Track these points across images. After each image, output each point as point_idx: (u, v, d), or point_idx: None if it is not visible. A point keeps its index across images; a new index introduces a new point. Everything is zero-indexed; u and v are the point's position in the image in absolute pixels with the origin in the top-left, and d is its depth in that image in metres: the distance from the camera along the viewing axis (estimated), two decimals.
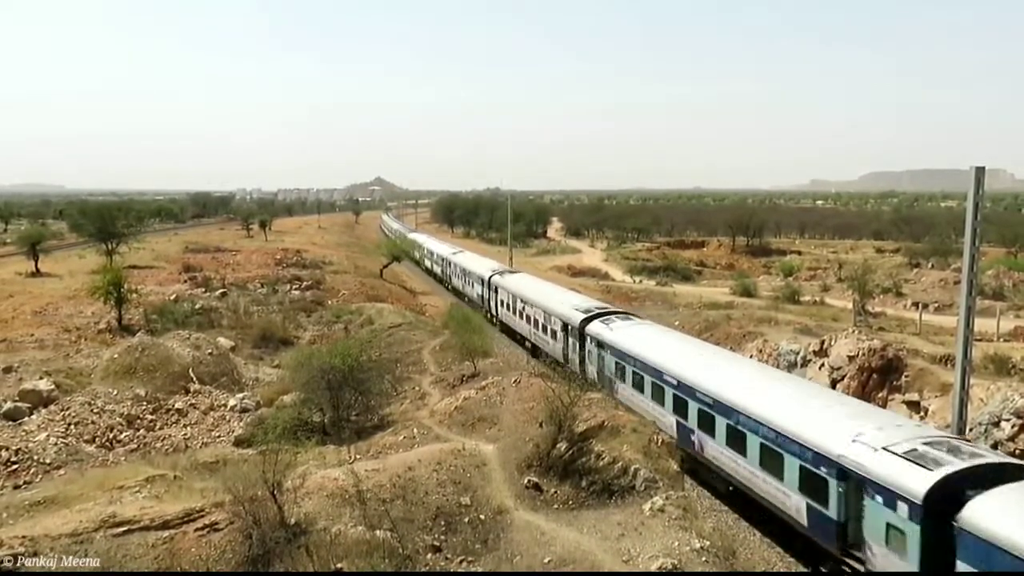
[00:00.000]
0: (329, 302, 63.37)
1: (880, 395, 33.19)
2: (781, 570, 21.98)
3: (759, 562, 22.45)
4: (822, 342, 37.77)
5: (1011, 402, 26.60)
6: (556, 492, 20.83)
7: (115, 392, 31.88)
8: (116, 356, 35.97)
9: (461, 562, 17.35)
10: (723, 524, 24.52)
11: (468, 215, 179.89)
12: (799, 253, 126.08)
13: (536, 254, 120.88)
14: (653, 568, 16.56)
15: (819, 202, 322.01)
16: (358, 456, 23.76)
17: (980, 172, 23.39)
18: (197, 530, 17.22)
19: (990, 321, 51.01)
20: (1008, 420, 26.25)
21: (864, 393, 33.01)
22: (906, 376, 33.23)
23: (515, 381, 30.03)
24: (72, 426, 28.10)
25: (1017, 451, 25.38)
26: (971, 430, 26.15)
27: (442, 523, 18.77)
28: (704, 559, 17.37)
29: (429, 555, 17.40)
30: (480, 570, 17.18)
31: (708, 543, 18.18)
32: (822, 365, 36.50)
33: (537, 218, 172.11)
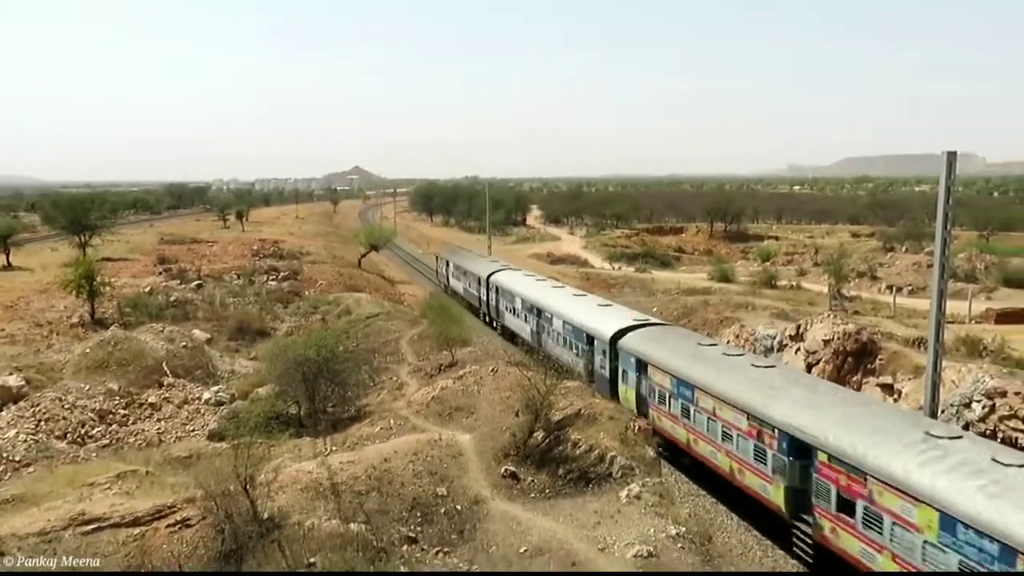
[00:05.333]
0: (307, 292, 63.01)
1: (855, 378, 33.48)
2: (753, 546, 22.07)
3: (736, 545, 22.51)
4: (798, 326, 38.01)
5: (981, 383, 26.92)
6: (533, 481, 20.81)
7: (87, 387, 31.44)
8: (88, 350, 35.48)
9: (437, 553, 17.29)
10: (700, 509, 24.59)
11: (447, 203, 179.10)
12: (776, 238, 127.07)
13: (515, 242, 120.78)
14: (629, 555, 16.58)
15: (796, 187, 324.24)
16: (334, 448, 23.58)
17: (952, 157, 23.49)
18: (168, 526, 17.02)
19: (962, 303, 51.65)
20: (979, 401, 26.57)
21: (839, 376, 33.27)
22: (880, 359, 33.53)
23: (492, 370, 29.95)
24: (42, 422, 27.68)
25: (988, 431, 25.68)
26: (943, 411, 26.43)
27: (418, 514, 18.70)
28: (680, 545, 17.43)
29: (404, 547, 17.31)
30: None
31: (684, 529, 18.25)
32: (798, 349, 36.74)
33: (516, 206, 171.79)
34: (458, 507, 19.09)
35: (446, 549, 17.46)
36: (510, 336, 44.59)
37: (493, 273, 50.16)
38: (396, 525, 18.02)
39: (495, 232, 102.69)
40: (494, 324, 48.93)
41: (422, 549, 17.42)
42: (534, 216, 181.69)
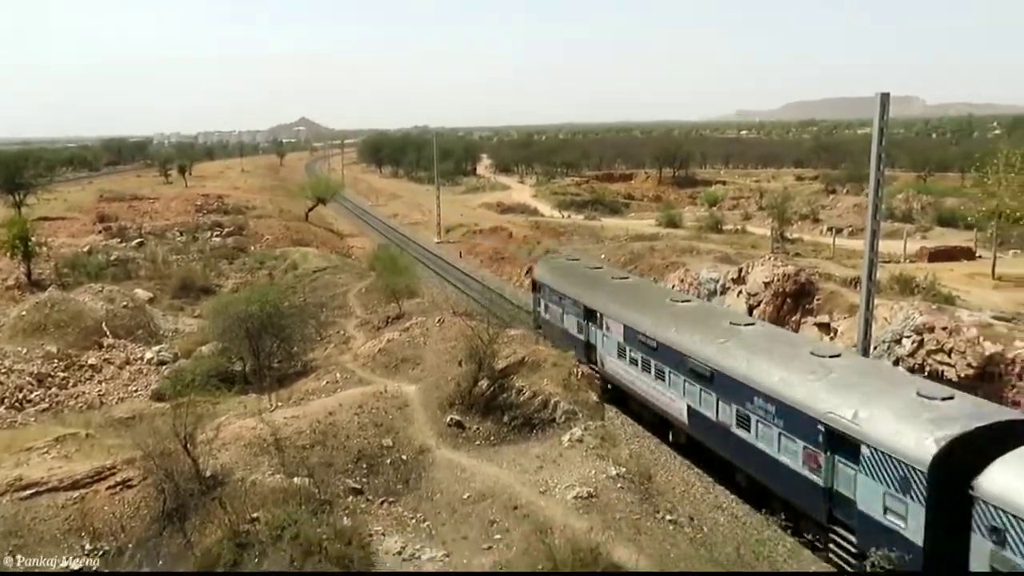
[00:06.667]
0: (252, 248, 62.04)
1: (794, 318, 34.38)
2: (695, 483, 22.81)
3: (678, 483, 23.24)
4: (740, 270, 38.72)
5: (911, 320, 27.90)
6: (478, 429, 21.10)
7: (24, 351, 30.72)
8: (24, 313, 34.60)
9: (382, 503, 17.53)
10: (644, 450, 25.31)
11: (396, 154, 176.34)
12: (724, 183, 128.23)
13: (465, 192, 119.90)
14: (569, 497, 17.03)
15: (743, 132, 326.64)
16: (279, 404, 23.56)
17: (885, 98, 23.89)
18: (109, 488, 16.91)
19: (899, 243, 53.21)
20: (908, 337, 27.57)
21: (779, 317, 34.13)
22: (818, 299, 34.42)
23: (439, 321, 30.04)
24: None
25: (916, 366, 26.75)
26: (876, 348, 27.40)
27: (364, 466, 18.88)
28: (619, 485, 17.94)
29: (350, 498, 17.51)
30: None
31: (624, 469, 18.77)
32: (740, 292, 37.50)
33: (466, 155, 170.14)
34: (403, 457, 19.32)
35: (391, 499, 17.72)
36: None
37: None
38: (341, 477, 18.19)
39: (444, 182, 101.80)
40: None
41: (367, 500, 17.64)
42: (484, 165, 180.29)
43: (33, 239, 46.73)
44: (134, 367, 31.10)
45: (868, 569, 15.33)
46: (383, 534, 16.13)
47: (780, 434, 18.14)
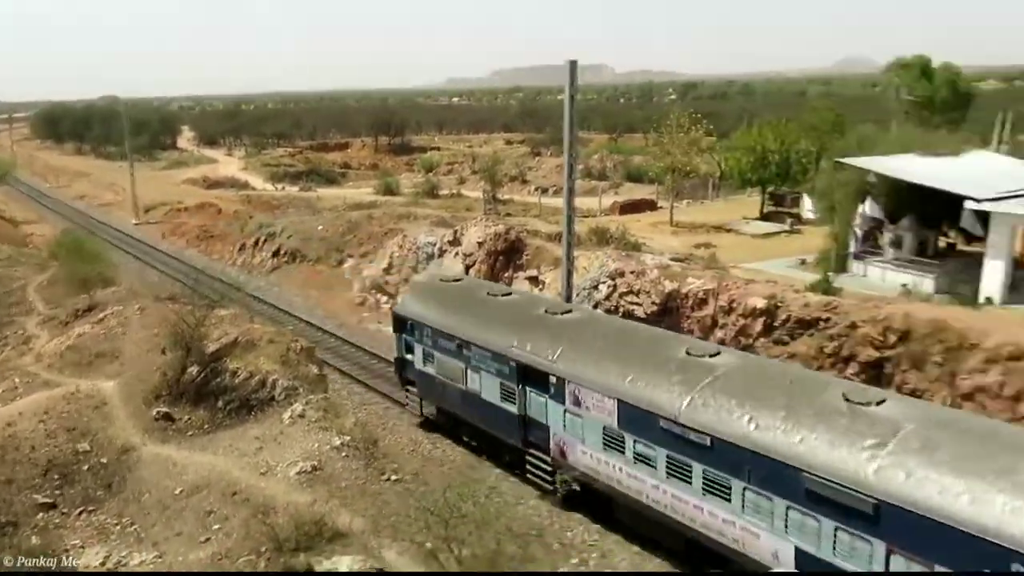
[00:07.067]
0: None
1: (506, 275, 36.30)
2: (423, 441, 23.42)
3: (406, 444, 23.64)
4: (455, 232, 39.98)
5: (606, 267, 30.82)
6: (190, 419, 19.77)
7: None
8: None
9: (80, 513, 15.82)
10: (372, 416, 25.42)
11: (79, 128, 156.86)
12: (438, 149, 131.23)
13: (166, 167, 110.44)
14: (292, 473, 16.61)
15: (455, 99, 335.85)
16: None
17: (573, 65, 25.78)
18: None
19: (595, 199, 58.33)
20: (604, 283, 30.43)
21: (493, 275, 35.84)
22: (527, 255, 36.64)
23: (139, 308, 27.59)
24: None
25: (612, 308, 29.64)
26: (578, 295, 29.88)
27: (55, 477, 16.89)
28: (344, 454, 17.85)
29: (40, 514, 15.59)
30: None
31: (349, 438, 18.67)
32: (456, 254, 38.76)
33: (164, 127, 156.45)
34: (103, 460, 17.57)
35: (91, 507, 16.06)
36: None
37: None
38: (27, 493, 16.12)
39: (140, 158, 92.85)
40: None
41: (62, 513, 15.84)
42: (187, 138, 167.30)
43: None
44: None
45: None
46: (82, 546, 14.58)
47: None
